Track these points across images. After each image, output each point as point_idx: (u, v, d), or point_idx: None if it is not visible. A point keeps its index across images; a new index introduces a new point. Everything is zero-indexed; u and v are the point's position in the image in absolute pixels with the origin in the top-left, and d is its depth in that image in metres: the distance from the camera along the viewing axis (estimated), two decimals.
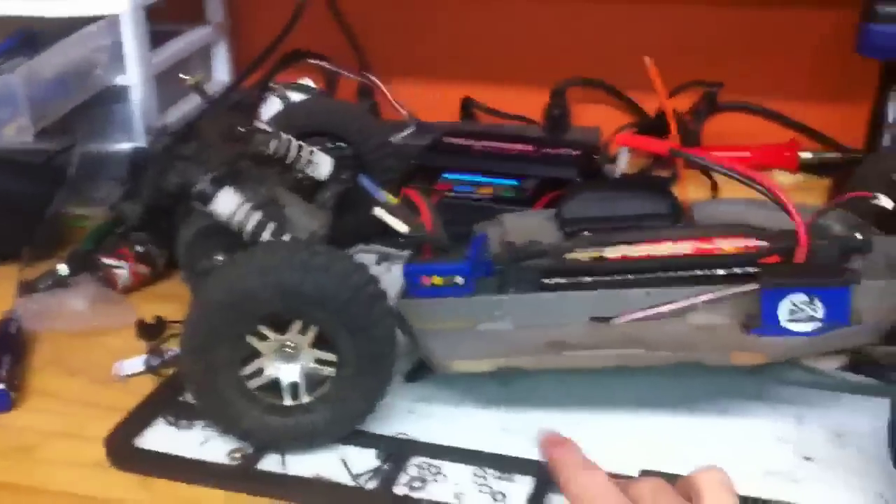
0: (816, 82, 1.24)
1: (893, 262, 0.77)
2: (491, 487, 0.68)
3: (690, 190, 0.85)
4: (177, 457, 0.73)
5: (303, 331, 0.71)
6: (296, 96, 1.21)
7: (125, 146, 1.10)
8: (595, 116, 1.28)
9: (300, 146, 0.91)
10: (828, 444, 0.72)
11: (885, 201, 0.77)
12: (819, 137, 1.23)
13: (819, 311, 0.70)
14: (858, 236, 0.76)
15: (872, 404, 0.74)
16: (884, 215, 0.79)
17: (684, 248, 0.78)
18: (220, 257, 0.83)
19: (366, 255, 0.99)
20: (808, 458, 0.71)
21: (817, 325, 0.70)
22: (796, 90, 1.25)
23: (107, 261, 0.95)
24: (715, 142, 1.24)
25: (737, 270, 0.76)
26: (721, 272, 0.76)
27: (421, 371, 0.80)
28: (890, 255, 0.77)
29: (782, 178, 1.18)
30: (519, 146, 1.10)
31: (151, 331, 0.88)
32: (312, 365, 0.72)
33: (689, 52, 1.23)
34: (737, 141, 1.23)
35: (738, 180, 0.76)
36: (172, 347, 0.85)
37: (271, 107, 1.20)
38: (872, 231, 0.79)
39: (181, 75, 0.91)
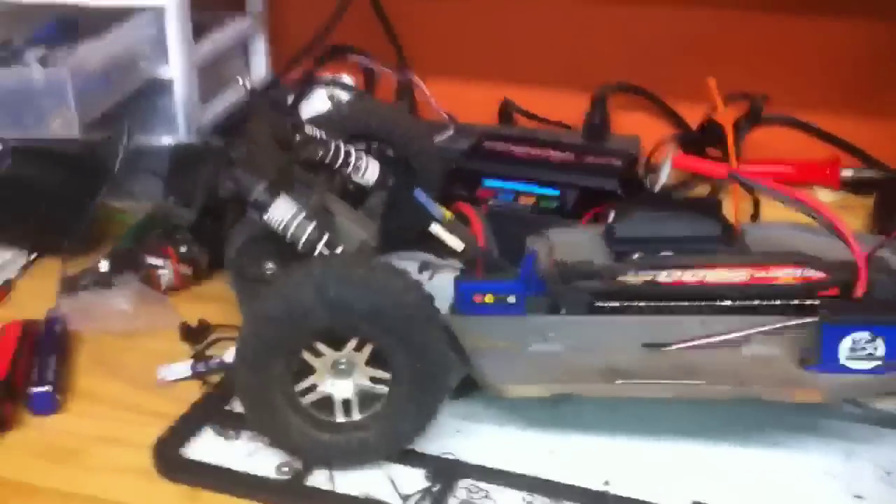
0: (858, 97, 1.22)
1: None
2: None
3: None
4: (225, 469, 0.73)
5: (358, 348, 0.71)
6: (338, 94, 1.20)
7: (166, 140, 1.09)
8: (634, 124, 1.27)
9: (348, 152, 0.91)
10: (878, 481, 0.71)
11: None
12: (860, 154, 1.22)
13: (880, 349, 0.69)
14: None
15: None
16: None
17: (740, 275, 0.77)
18: (270, 265, 0.82)
19: (407, 262, 0.98)
20: (857, 497, 0.70)
21: (877, 363, 0.69)
22: (837, 105, 1.23)
23: (150, 260, 0.94)
24: (754, 155, 1.22)
25: (794, 302, 0.76)
26: (778, 303, 0.76)
27: (468, 387, 0.79)
28: None
29: (823, 196, 1.17)
30: (560, 154, 1.09)
31: (195, 335, 0.88)
32: (366, 382, 0.72)
33: (731, 61, 1.21)
34: (775, 155, 1.22)
35: (802, 211, 0.76)
36: (217, 353, 0.85)
37: (315, 103, 1.19)
38: None
39: (239, 78, 0.90)
